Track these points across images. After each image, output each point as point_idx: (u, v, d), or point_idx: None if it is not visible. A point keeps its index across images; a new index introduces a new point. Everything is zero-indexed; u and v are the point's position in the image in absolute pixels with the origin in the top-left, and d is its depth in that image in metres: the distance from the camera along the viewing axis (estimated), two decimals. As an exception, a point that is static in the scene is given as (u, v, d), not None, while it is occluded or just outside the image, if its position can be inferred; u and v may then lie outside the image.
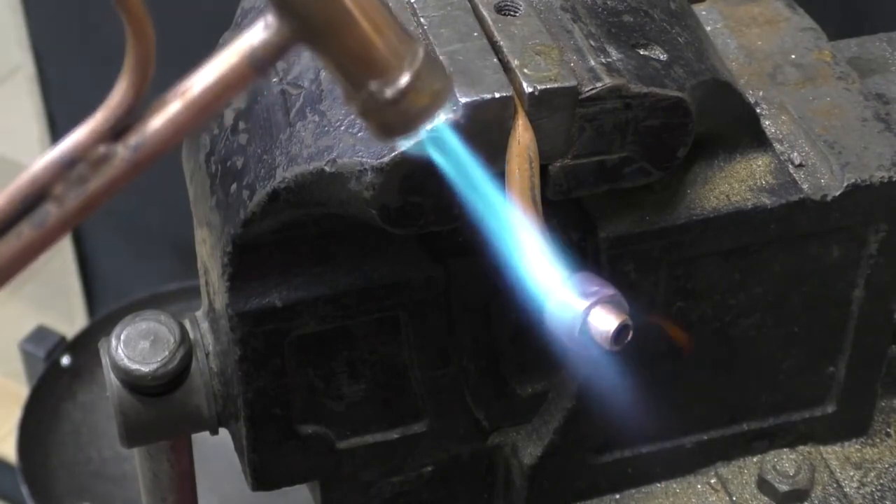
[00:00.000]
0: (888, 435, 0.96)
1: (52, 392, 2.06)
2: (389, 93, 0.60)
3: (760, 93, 0.88)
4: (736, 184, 0.83)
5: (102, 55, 2.26)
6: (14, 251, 0.56)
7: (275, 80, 0.78)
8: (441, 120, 0.63)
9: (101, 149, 0.57)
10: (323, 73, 0.77)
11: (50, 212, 0.57)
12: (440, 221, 0.76)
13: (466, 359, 0.86)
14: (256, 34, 0.59)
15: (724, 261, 0.84)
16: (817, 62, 0.91)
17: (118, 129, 0.57)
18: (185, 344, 0.84)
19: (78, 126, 0.57)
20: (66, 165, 0.57)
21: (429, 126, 0.62)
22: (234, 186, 0.78)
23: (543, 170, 0.76)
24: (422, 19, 0.76)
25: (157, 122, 0.58)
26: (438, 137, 0.66)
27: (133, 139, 0.58)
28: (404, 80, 0.60)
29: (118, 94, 0.57)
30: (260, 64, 0.59)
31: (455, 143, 0.68)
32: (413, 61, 0.60)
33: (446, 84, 0.62)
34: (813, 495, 0.92)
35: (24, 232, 0.56)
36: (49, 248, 0.57)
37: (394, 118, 0.61)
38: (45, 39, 2.30)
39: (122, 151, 0.57)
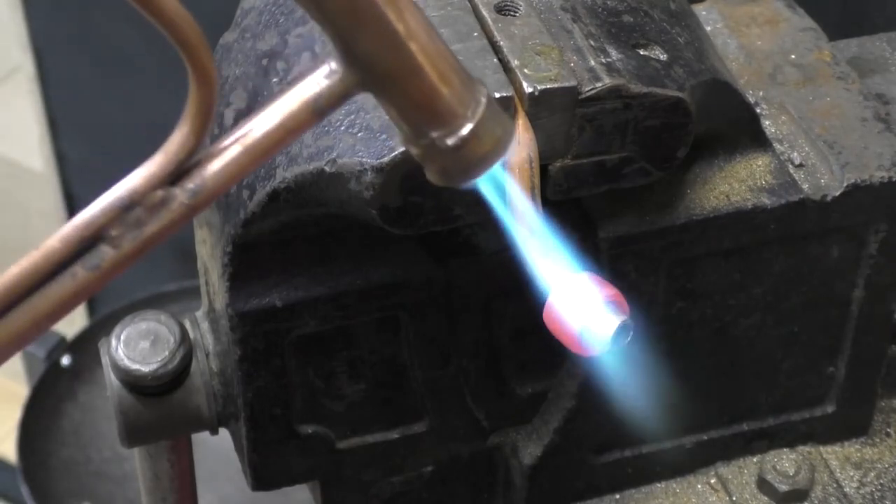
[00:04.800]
0: (888, 435, 0.96)
1: (52, 392, 2.06)
2: (451, 141, 0.59)
3: (760, 93, 0.88)
4: (736, 184, 0.83)
5: (102, 55, 2.27)
6: (68, 292, 0.56)
7: (275, 80, 0.78)
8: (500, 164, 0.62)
9: (160, 193, 0.56)
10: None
11: (105, 254, 0.56)
12: (440, 221, 0.76)
13: (466, 359, 0.86)
14: (319, 81, 0.58)
15: (724, 261, 0.84)
16: (817, 62, 0.91)
17: (177, 174, 0.57)
18: (185, 344, 0.84)
19: (137, 169, 0.57)
20: (124, 209, 0.56)
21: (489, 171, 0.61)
22: (233, 186, 0.78)
23: (543, 170, 0.76)
24: (422, 19, 0.76)
25: (216, 166, 0.57)
26: None
27: (191, 184, 0.57)
28: (467, 128, 0.59)
29: (178, 139, 0.56)
30: (322, 111, 0.58)
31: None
32: (476, 109, 0.59)
33: (508, 130, 0.61)
34: (813, 495, 0.92)
35: (79, 273, 0.56)
36: (102, 288, 0.57)
37: (454, 165, 0.60)
38: (45, 39, 2.30)
39: (180, 196, 0.57)
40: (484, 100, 0.60)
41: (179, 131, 0.56)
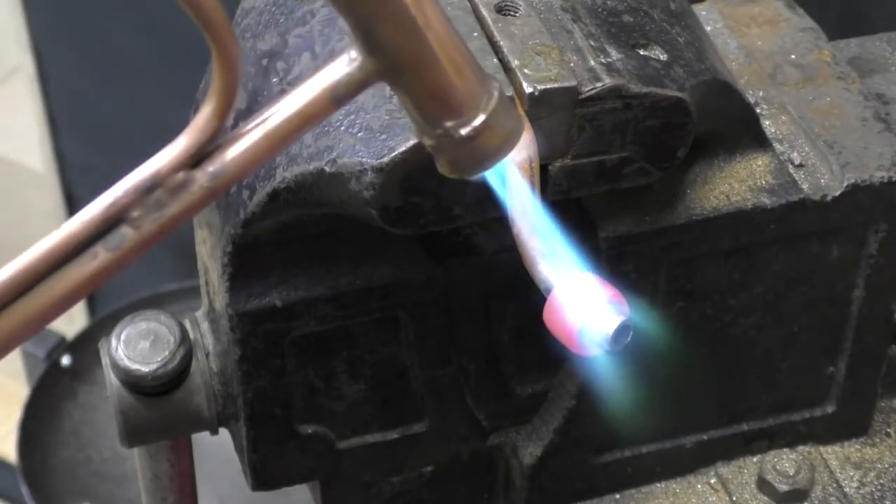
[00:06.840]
0: (888, 435, 0.96)
1: (52, 392, 2.06)
2: (465, 131, 0.60)
3: (760, 93, 0.88)
4: (736, 184, 0.83)
5: (102, 55, 2.27)
6: (89, 272, 0.56)
7: (275, 80, 0.78)
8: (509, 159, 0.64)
9: (181, 175, 0.57)
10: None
11: (126, 235, 0.57)
12: (440, 221, 0.76)
13: (466, 359, 0.86)
14: (340, 69, 0.59)
15: (724, 261, 0.84)
16: (817, 62, 0.91)
17: (198, 157, 0.58)
18: (185, 344, 0.84)
19: (159, 151, 0.57)
20: (146, 190, 0.57)
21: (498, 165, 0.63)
22: (233, 186, 0.78)
23: (543, 170, 0.76)
24: (422, 19, 0.76)
25: (236, 150, 0.58)
26: None
27: (212, 167, 0.58)
28: (479, 120, 0.60)
29: (201, 121, 0.57)
30: (340, 99, 0.59)
31: None
32: (489, 101, 0.61)
33: (519, 124, 0.63)
34: (813, 495, 0.92)
35: (100, 253, 0.56)
36: (122, 270, 0.57)
37: (465, 156, 0.62)
38: (45, 39, 2.30)
39: (201, 178, 0.57)
40: (496, 93, 0.61)
41: (204, 112, 0.57)
